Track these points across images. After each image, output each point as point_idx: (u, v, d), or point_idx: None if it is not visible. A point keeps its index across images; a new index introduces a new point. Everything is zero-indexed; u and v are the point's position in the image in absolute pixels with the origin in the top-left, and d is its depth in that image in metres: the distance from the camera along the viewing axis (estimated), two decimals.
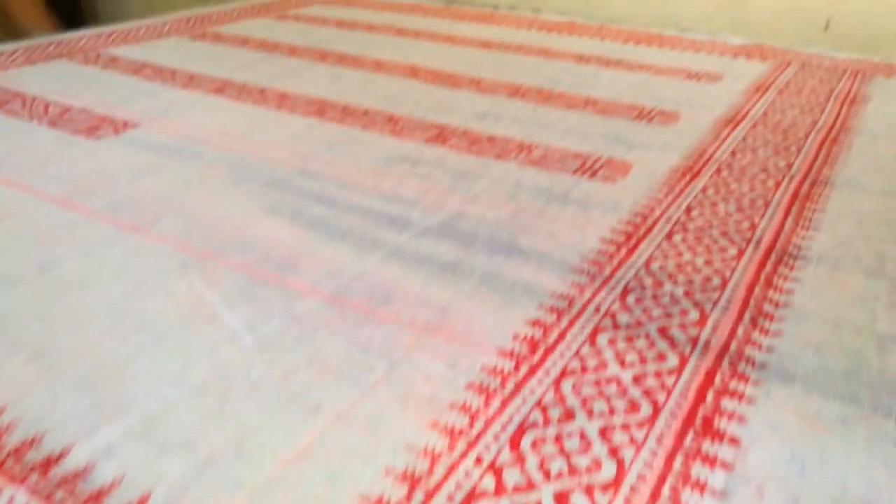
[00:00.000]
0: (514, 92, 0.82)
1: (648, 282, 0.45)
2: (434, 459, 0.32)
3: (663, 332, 0.40)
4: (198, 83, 0.83)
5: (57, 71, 0.86)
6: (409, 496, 0.30)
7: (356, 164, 0.62)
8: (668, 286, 0.45)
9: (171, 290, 0.44)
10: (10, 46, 0.95)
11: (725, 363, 0.38)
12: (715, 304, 0.43)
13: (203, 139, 0.66)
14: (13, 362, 0.37)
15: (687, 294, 0.44)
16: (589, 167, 0.62)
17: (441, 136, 0.69)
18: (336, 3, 1.31)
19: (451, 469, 0.31)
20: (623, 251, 0.49)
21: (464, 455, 0.32)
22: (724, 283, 0.45)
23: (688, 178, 0.60)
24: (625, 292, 0.44)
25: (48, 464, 0.31)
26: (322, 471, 0.31)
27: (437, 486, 0.30)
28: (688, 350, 0.39)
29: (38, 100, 0.76)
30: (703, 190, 0.58)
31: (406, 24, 1.15)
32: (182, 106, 0.75)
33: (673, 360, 0.38)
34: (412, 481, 0.31)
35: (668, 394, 0.36)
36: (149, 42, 1.02)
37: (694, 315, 0.42)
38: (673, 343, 0.39)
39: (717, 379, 0.37)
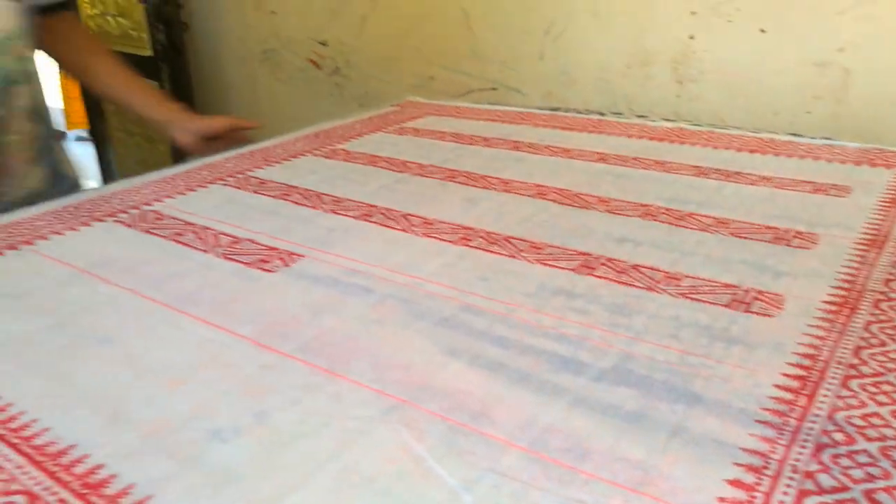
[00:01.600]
0: (644, 213, 0.85)
1: (839, 437, 0.46)
2: None
3: (870, 497, 0.41)
4: (345, 208, 0.89)
5: (216, 197, 0.95)
6: None
7: (513, 297, 0.66)
8: (861, 442, 0.46)
9: (381, 442, 0.48)
10: (167, 172, 1.05)
11: None
12: None
13: (367, 272, 0.71)
14: None
15: (883, 452, 0.45)
16: (741, 300, 0.64)
17: (586, 265, 0.72)
18: (446, 114, 1.39)
19: None
20: (801, 399, 0.50)
21: None
22: None
23: (846, 312, 0.61)
24: (818, 448, 0.45)
25: None
26: None
27: None
28: None
29: (209, 230, 0.83)
30: (866, 326, 0.59)
31: (519, 136, 1.21)
32: (338, 234, 0.81)
33: None
34: None
35: None
36: (287, 162, 1.11)
37: None
38: None
39: None
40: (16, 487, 0.45)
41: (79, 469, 0.46)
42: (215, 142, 1.25)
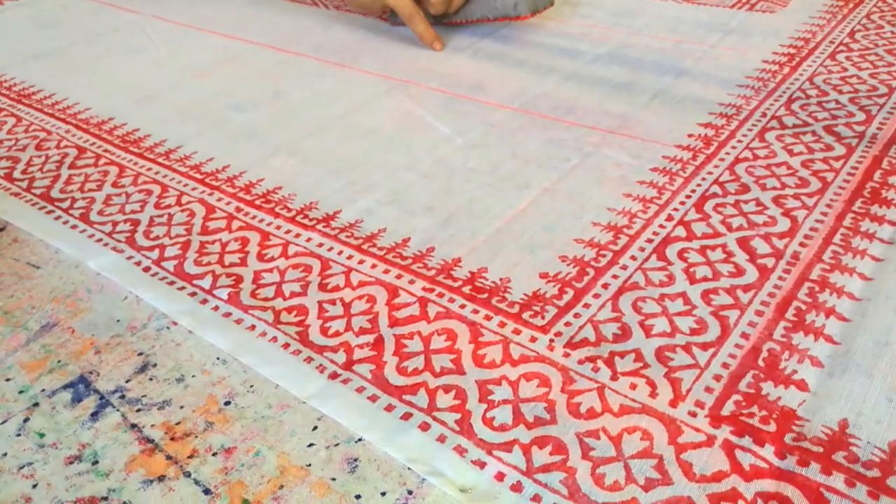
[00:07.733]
0: None
1: (813, 93, 0.49)
2: (631, 217, 0.39)
3: (829, 129, 0.44)
4: None
5: None
6: (614, 240, 0.37)
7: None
8: (832, 95, 0.48)
9: (385, 107, 0.52)
10: None
11: (893, 150, 0.42)
12: (881, 106, 0.46)
13: None
14: (277, 158, 0.47)
15: (852, 100, 0.47)
16: (747, 1, 0.64)
17: None
18: None
19: (647, 223, 0.38)
20: (786, 69, 0.52)
21: (656, 214, 0.39)
22: (892, 90, 0.48)
23: (850, 5, 0.61)
24: (790, 101, 0.48)
25: (328, 219, 0.40)
26: (540, 224, 0.39)
27: (637, 234, 0.37)
28: (854, 142, 0.43)
29: None
30: (868, 16, 0.59)
31: None
32: None
33: (840, 150, 0.42)
34: (615, 230, 0.38)
35: (836, 173, 0.40)
36: None
37: (860, 116, 0.45)
38: (839, 137, 0.44)
39: (885, 162, 0.41)
40: (65, 144, 0.51)
41: (118, 132, 0.52)
42: None
